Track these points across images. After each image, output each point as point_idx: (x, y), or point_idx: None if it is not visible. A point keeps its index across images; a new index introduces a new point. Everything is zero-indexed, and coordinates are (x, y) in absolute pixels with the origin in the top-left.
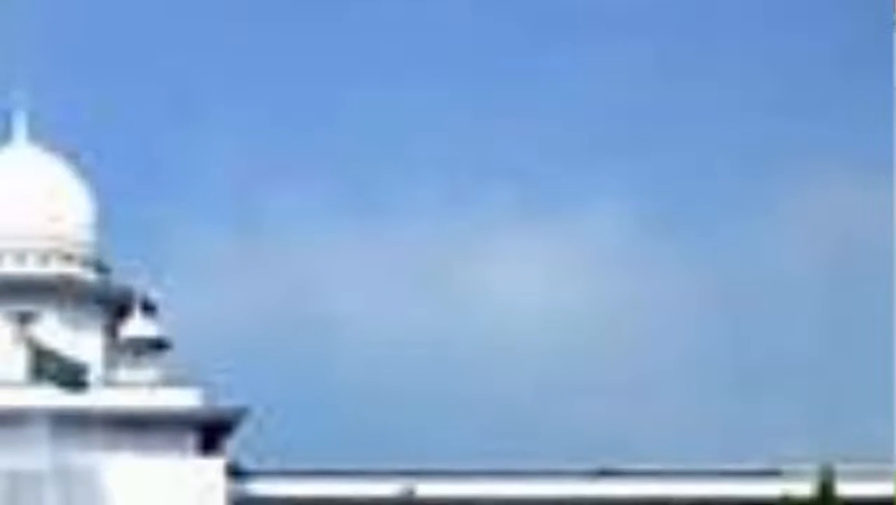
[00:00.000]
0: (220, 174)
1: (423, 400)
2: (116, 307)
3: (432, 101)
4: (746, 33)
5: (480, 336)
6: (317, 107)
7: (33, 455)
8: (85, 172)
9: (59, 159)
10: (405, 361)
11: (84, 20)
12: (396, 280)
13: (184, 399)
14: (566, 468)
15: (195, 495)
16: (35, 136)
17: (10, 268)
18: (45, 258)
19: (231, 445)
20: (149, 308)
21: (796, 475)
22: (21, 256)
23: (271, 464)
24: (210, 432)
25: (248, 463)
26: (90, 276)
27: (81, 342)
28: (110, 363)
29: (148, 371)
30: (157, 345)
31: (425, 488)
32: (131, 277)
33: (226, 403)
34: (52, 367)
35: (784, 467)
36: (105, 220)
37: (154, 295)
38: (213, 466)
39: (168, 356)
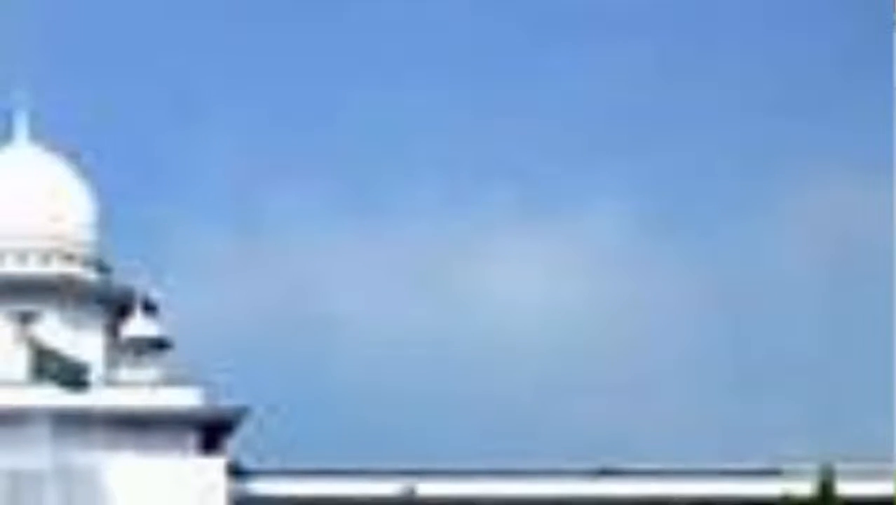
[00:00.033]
0: (220, 174)
1: (424, 400)
2: (117, 307)
3: (432, 101)
4: (746, 33)
5: (481, 336)
6: (317, 107)
7: (34, 455)
8: (86, 172)
9: (61, 159)
10: (405, 360)
11: (85, 20)
12: (397, 280)
13: (185, 399)
14: (566, 468)
15: (196, 495)
16: (36, 135)
17: (11, 268)
18: (46, 258)
19: (232, 444)
20: (150, 308)
21: (796, 475)
22: (22, 256)
23: (272, 463)
24: (211, 432)
25: (248, 462)
26: (91, 275)
27: (82, 342)
28: (111, 363)
29: (149, 371)
30: (158, 344)
31: (426, 488)
32: (132, 277)
33: (227, 402)
34: (53, 366)
35: (784, 467)
36: (106, 220)
37: (155, 295)
38: (214, 466)
39: (169, 356)
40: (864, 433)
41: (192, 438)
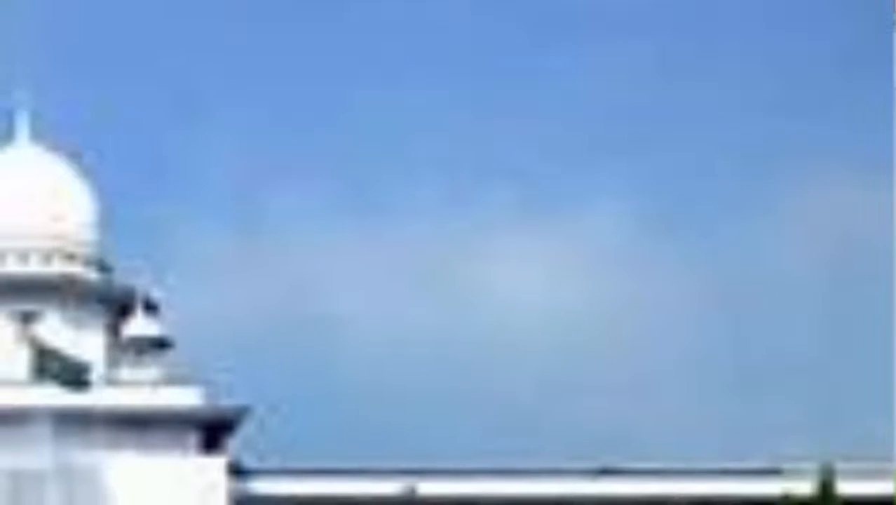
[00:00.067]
0: (221, 174)
1: (425, 399)
2: (119, 306)
3: (432, 101)
4: (746, 33)
5: (481, 335)
6: (318, 107)
7: (36, 454)
8: (87, 172)
9: (62, 159)
10: (406, 360)
11: (86, 20)
12: (397, 279)
13: (186, 398)
14: (567, 467)
15: (197, 494)
16: (37, 135)
17: (12, 267)
18: (47, 258)
19: (233, 443)
20: (151, 307)
21: (797, 474)
22: (24, 256)
23: (273, 463)
24: (212, 431)
25: (249, 462)
26: (92, 275)
27: (84, 341)
28: (112, 362)
29: (150, 370)
30: (159, 344)
31: (427, 487)
32: (133, 277)
33: (227, 401)
34: (54, 366)
35: (784, 466)
36: (107, 220)
37: (156, 294)
38: (215, 465)
39: (170, 355)
40: (864, 433)
41: (193, 438)
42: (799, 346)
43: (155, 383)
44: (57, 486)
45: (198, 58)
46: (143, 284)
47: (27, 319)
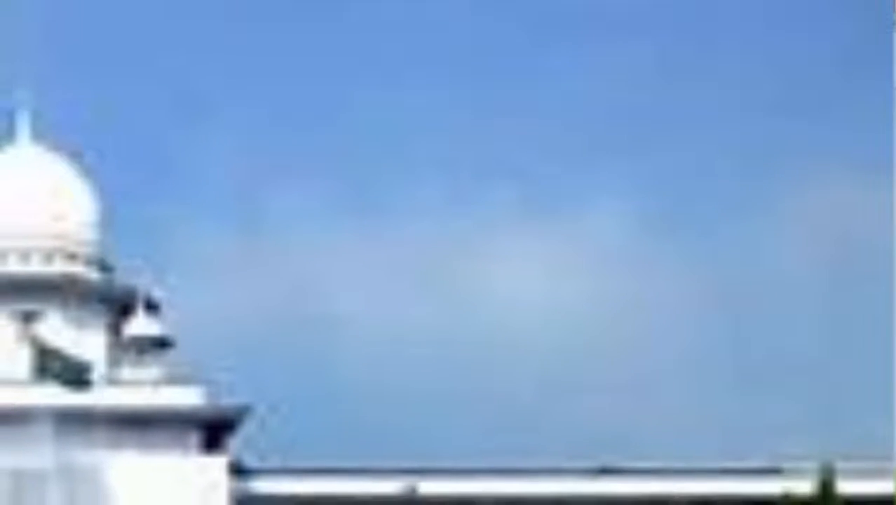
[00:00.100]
0: (222, 174)
1: (426, 398)
2: (120, 306)
3: (432, 101)
4: (746, 33)
5: (482, 335)
6: (318, 107)
7: (37, 454)
8: (88, 172)
9: (63, 159)
10: (407, 359)
11: (87, 20)
12: (398, 279)
13: (187, 397)
14: (568, 466)
15: (198, 494)
16: (38, 135)
17: (13, 267)
18: (48, 257)
19: (234, 443)
20: (152, 307)
21: (797, 473)
22: (25, 255)
23: (274, 462)
24: (213, 431)
25: (250, 461)
26: (94, 275)
27: (85, 341)
28: (114, 362)
29: (151, 370)
30: (161, 343)
31: (428, 486)
32: (135, 276)
33: (229, 401)
34: (55, 365)
35: (785, 465)
36: (108, 220)
37: (157, 294)
38: (216, 465)
39: (171, 355)
40: (864, 432)
41: (194, 437)
42: (799, 345)
43: (156, 383)
44: (58, 485)
45: (198, 58)
46: (144, 283)
47: (28, 318)
